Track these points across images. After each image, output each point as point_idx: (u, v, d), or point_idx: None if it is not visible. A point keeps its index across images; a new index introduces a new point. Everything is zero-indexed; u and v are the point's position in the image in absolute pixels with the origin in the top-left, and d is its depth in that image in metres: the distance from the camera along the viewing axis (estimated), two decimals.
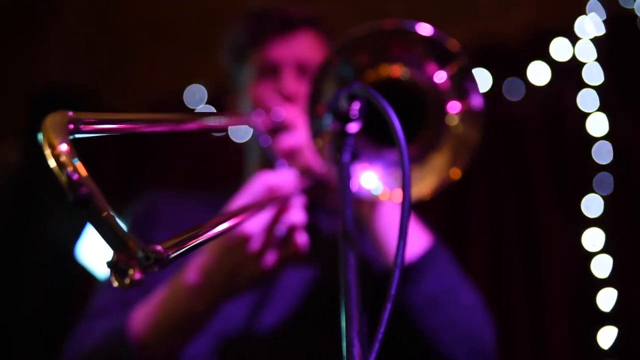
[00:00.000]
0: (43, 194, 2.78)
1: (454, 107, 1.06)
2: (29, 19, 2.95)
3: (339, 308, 0.61)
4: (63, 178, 0.44)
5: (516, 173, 2.40)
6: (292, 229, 1.06)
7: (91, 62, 3.12)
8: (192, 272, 1.04)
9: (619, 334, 2.10)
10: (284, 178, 1.09)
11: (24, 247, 2.90)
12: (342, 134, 0.82)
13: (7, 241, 2.95)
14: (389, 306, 0.57)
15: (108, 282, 1.28)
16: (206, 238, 0.59)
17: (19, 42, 3.01)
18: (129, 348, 1.05)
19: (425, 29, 1.02)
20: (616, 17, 2.36)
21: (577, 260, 2.22)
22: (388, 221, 1.17)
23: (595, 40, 2.38)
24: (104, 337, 1.11)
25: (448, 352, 1.13)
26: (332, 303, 0.85)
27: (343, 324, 0.59)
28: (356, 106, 0.80)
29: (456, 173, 1.06)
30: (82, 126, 0.50)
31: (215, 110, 2.69)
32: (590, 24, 2.39)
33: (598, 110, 2.33)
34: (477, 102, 1.04)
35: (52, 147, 0.45)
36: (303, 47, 1.39)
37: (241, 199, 1.05)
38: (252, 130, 1.35)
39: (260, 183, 1.05)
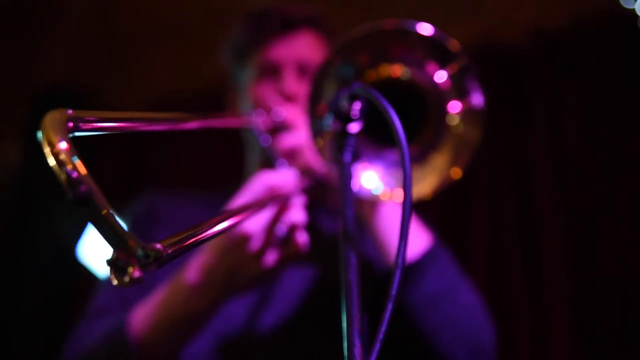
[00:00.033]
0: (43, 194, 2.78)
1: (454, 106, 1.06)
2: (29, 19, 2.95)
3: (340, 308, 0.61)
4: (62, 176, 0.44)
5: (517, 172, 2.40)
6: (292, 229, 1.06)
7: (92, 62, 3.12)
8: (192, 271, 1.04)
9: (619, 333, 2.10)
10: (284, 178, 1.09)
11: (24, 247, 2.90)
12: (343, 134, 0.81)
13: (8, 241, 2.95)
14: (389, 306, 0.56)
15: (108, 281, 1.28)
16: (205, 237, 0.59)
17: (19, 42, 3.01)
18: (129, 347, 1.05)
19: (425, 29, 1.02)
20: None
21: (578, 259, 2.22)
22: (388, 221, 1.17)
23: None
24: (104, 336, 1.10)
25: (448, 352, 1.13)
26: (333, 303, 0.85)
27: (344, 324, 0.59)
28: (357, 106, 0.80)
29: (457, 173, 1.06)
30: (81, 124, 0.50)
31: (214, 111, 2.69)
32: None
33: None
34: (477, 101, 1.04)
35: (52, 145, 0.45)
36: (303, 47, 1.39)
37: (241, 199, 1.05)
38: (253, 130, 1.35)
39: (261, 182, 1.05)
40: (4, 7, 2.88)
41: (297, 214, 1.06)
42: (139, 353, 1.05)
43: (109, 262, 0.46)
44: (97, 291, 1.31)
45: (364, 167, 1.08)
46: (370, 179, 1.09)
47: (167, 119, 0.70)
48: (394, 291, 0.57)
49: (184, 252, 0.53)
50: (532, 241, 2.30)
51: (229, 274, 1.03)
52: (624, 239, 2.19)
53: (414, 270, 1.14)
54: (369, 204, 1.16)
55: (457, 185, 1.10)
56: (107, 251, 0.47)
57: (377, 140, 1.07)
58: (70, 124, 0.49)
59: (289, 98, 1.32)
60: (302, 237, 1.07)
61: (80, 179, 0.44)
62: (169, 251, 0.50)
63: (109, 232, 0.46)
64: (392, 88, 1.00)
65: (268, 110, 1.30)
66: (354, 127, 0.82)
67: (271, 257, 1.04)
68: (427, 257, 1.17)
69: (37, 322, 2.77)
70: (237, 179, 1.44)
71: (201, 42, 2.25)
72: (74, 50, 3.10)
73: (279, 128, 1.26)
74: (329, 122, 0.84)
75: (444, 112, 1.06)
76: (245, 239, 1.00)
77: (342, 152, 0.80)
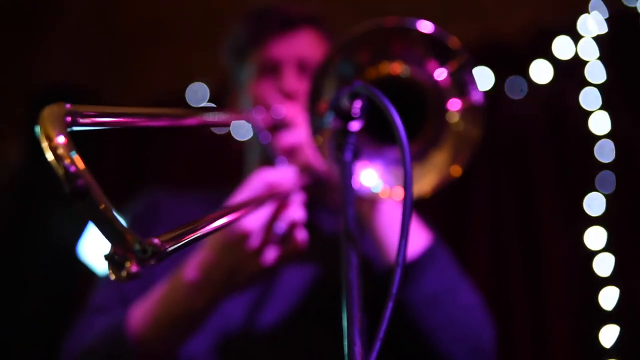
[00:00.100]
0: (44, 194, 2.78)
1: (454, 104, 1.06)
2: (29, 19, 2.95)
3: (340, 306, 0.61)
4: (60, 170, 0.44)
5: (517, 172, 2.40)
6: (291, 226, 1.05)
7: (91, 62, 3.12)
8: (191, 268, 1.04)
9: (620, 332, 2.09)
10: (283, 175, 1.09)
11: (24, 247, 2.90)
12: (344, 132, 0.81)
13: (8, 241, 2.95)
14: (390, 305, 0.56)
15: (108, 278, 1.28)
16: (204, 232, 0.59)
17: (19, 42, 3.01)
18: (127, 345, 1.05)
19: (425, 27, 1.02)
20: (618, 15, 2.35)
21: (579, 259, 2.22)
22: (388, 219, 1.16)
23: (598, 39, 2.38)
24: (103, 333, 1.10)
25: (448, 352, 1.13)
26: (333, 301, 0.85)
27: (344, 323, 0.59)
28: (358, 104, 0.80)
29: (457, 170, 1.06)
30: (79, 119, 0.50)
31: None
32: (593, 23, 2.39)
33: (600, 108, 2.33)
34: (477, 98, 1.04)
35: (50, 140, 0.45)
36: (303, 45, 1.39)
37: (240, 195, 1.05)
38: (252, 128, 1.35)
39: (260, 179, 1.05)
40: (4, 7, 2.88)
41: (296, 211, 1.06)
42: (137, 350, 1.05)
43: (107, 257, 0.46)
44: (97, 288, 1.31)
45: (364, 165, 1.08)
46: (369, 177, 1.09)
47: (166, 115, 0.70)
48: (394, 290, 0.57)
49: (182, 248, 0.53)
50: (532, 241, 2.30)
51: (228, 272, 1.03)
52: (623, 238, 2.19)
53: (413, 269, 1.14)
54: (368, 202, 1.16)
55: (457, 185, 1.10)
56: (106, 247, 0.47)
57: (377, 138, 1.07)
58: (69, 118, 0.49)
59: (288, 96, 1.32)
60: (301, 235, 1.07)
61: (77, 173, 0.44)
62: (167, 246, 0.50)
63: (107, 227, 0.46)
64: (392, 86, 1.00)
65: (268, 107, 1.30)
66: (355, 126, 0.81)
67: (270, 255, 1.04)
68: (426, 256, 1.16)
69: (37, 322, 2.76)
70: (237, 175, 1.44)
71: (201, 42, 2.25)
72: (74, 50, 3.10)
73: (278, 126, 1.26)
74: (330, 120, 0.84)
75: (443, 109, 1.06)
76: (244, 236, 1.00)
77: (343, 150, 0.80)
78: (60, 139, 0.45)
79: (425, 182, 1.06)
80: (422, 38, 1.03)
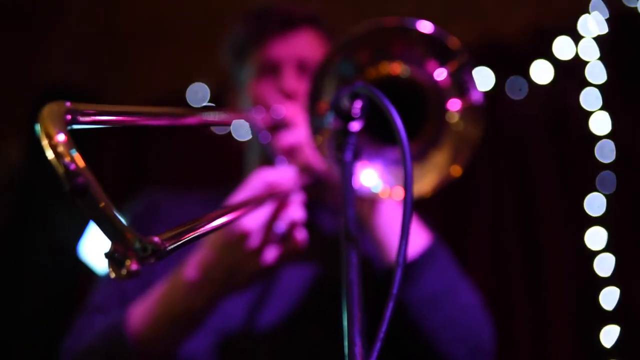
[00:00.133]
0: (44, 194, 2.78)
1: (454, 104, 1.06)
2: (29, 19, 2.95)
3: (340, 306, 0.61)
4: (60, 168, 0.44)
5: (517, 172, 2.40)
6: (291, 226, 1.05)
7: (91, 62, 3.12)
8: (191, 267, 1.04)
9: (621, 332, 2.09)
10: (283, 175, 1.09)
11: (24, 247, 2.90)
12: (344, 133, 0.81)
13: (8, 241, 2.95)
14: (390, 305, 0.56)
15: (108, 277, 1.28)
16: (204, 231, 0.59)
17: (19, 42, 3.01)
18: (127, 344, 1.05)
19: (425, 27, 1.02)
20: (619, 15, 2.35)
21: (579, 259, 2.21)
22: (388, 219, 1.16)
23: (598, 39, 2.38)
24: (102, 332, 1.10)
25: (447, 352, 1.13)
26: (332, 301, 0.85)
27: (345, 323, 0.59)
28: (358, 105, 0.80)
29: (457, 170, 1.06)
30: (79, 117, 0.50)
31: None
32: (593, 23, 2.39)
33: (601, 109, 2.33)
34: (477, 98, 1.04)
35: (50, 137, 0.45)
36: (303, 46, 1.39)
37: (240, 195, 1.05)
38: (252, 127, 1.35)
39: (260, 179, 1.05)
40: (4, 7, 2.88)
41: (296, 211, 1.06)
42: (137, 349, 1.05)
43: (107, 255, 0.46)
44: (97, 287, 1.31)
45: (364, 165, 1.08)
46: (369, 177, 1.09)
47: (166, 114, 0.70)
48: (395, 290, 0.57)
49: (182, 246, 0.53)
50: (532, 241, 2.30)
51: (228, 271, 1.03)
52: (624, 238, 2.19)
53: (413, 269, 1.14)
54: (368, 203, 1.16)
55: (457, 186, 1.10)
56: (106, 245, 0.47)
57: (377, 138, 1.07)
58: (69, 117, 0.49)
59: (288, 96, 1.32)
60: (301, 235, 1.07)
61: (78, 171, 0.44)
62: (167, 245, 0.50)
63: (107, 225, 0.46)
64: (391, 86, 1.00)
65: (267, 107, 1.30)
66: (355, 126, 0.81)
67: (270, 254, 1.04)
68: (426, 256, 1.16)
69: (38, 322, 2.76)
70: (237, 176, 1.44)
71: (201, 42, 2.25)
72: (74, 51, 3.10)
73: (278, 125, 1.26)
74: (330, 120, 0.84)
75: (443, 109, 1.06)
76: (244, 235, 1.00)
77: (343, 150, 0.80)
78: (60, 137, 0.45)
79: (425, 182, 1.06)
80: (422, 38, 1.03)
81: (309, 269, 1.28)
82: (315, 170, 1.19)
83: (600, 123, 2.32)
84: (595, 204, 2.26)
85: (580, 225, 2.25)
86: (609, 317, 2.12)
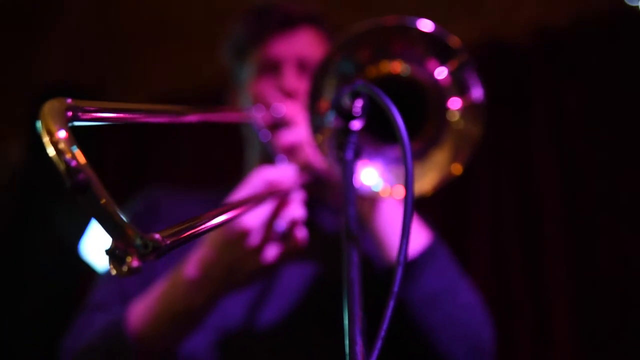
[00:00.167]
0: (44, 193, 2.78)
1: (454, 103, 1.06)
2: (29, 19, 2.95)
3: (340, 305, 0.61)
4: (61, 165, 0.44)
5: (517, 172, 2.40)
6: (291, 224, 1.05)
7: (92, 62, 3.12)
8: (191, 265, 1.04)
9: (621, 332, 2.09)
10: (283, 173, 1.09)
11: (25, 247, 2.90)
12: (345, 131, 0.81)
13: (8, 241, 2.95)
14: (391, 304, 0.56)
15: (108, 275, 1.28)
16: (204, 229, 0.59)
17: (20, 42, 3.01)
18: (127, 342, 1.05)
19: (426, 25, 1.02)
20: (619, 15, 2.35)
21: (579, 259, 2.21)
22: (388, 218, 1.16)
23: (598, 39, 2.38)
24: (103, 330, 1.10)
25: (447, 351, 1.12)
26: (333, 299, 0.85)
27: (346, 321, 0.59)
28: (359, 103, 0.80)
29: (457, 169, 1.06)
30: (80, 114, 0.50)
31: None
32: (593, 22, 2.39)
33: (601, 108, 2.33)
34: (478, 97, 1.04)
35: (51, 134, 0.45)
36: (304, 44, 1.39)
37: (240, 193, 1.05)
38: (252, 126, 1.36)
39: (260, 177, 1.05)
40: (4, 7, 2.88)
41: (296, 209, 1.06)
42: (137, 347, 1.05)
43: (108, 252, 0.46)
44: (97, 285, 1.31)
45: (364, 163, 1.08)
46: (370, 175, 1.09)
47: (167, 112, 0.70)
48: (395, 288, 0.57)
49: (182, 244, 0.53)
50: (532, 241, 2.30)
51: (228, 269, 1.03)
52: (624, 239, 2.18)
53: (413, 268, 1.14)
54: (368, 201, 1.16)
55: (458, 185, 1.10)
56: (107, 242, 0.47)
57: (377, 136, 1.07)
58: (70, 113, 0.49)
59: (288, 94, 1.32)
60: (301, 233, 1.07)
61: (78, 168, 0.44)
62: (168, 242, 0.50)
63: (108, 222, 0.46)
64: (392, 84, 1.00)
65: (268, 106, 1.30)
66: (356, 124, 0.81)
67: (270, 253, 1.04)
68: (426, 255, 1.16)
69: (38, 322, 2.76)
70: (237, 175, 1.44)
71: (201, 42, 2.25)
72: (74, 50, 3.10)
73: (278, 124, 1.26)
74: (331, 119, 0.84)
75: (444, 108, 1.06)
76: (244, 234, 1.00)
77: (344, 149, 0.80)
78: (61, 134, 0.45)
79: (426, 181, 1.06)
80: (423, 37, 1.03)
81: (309, 267, 1.28)
82: (315, 169, 1.19)
83: None
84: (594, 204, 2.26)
85: (579, 225, 2.25)
86: (609, 317, 2.12)
